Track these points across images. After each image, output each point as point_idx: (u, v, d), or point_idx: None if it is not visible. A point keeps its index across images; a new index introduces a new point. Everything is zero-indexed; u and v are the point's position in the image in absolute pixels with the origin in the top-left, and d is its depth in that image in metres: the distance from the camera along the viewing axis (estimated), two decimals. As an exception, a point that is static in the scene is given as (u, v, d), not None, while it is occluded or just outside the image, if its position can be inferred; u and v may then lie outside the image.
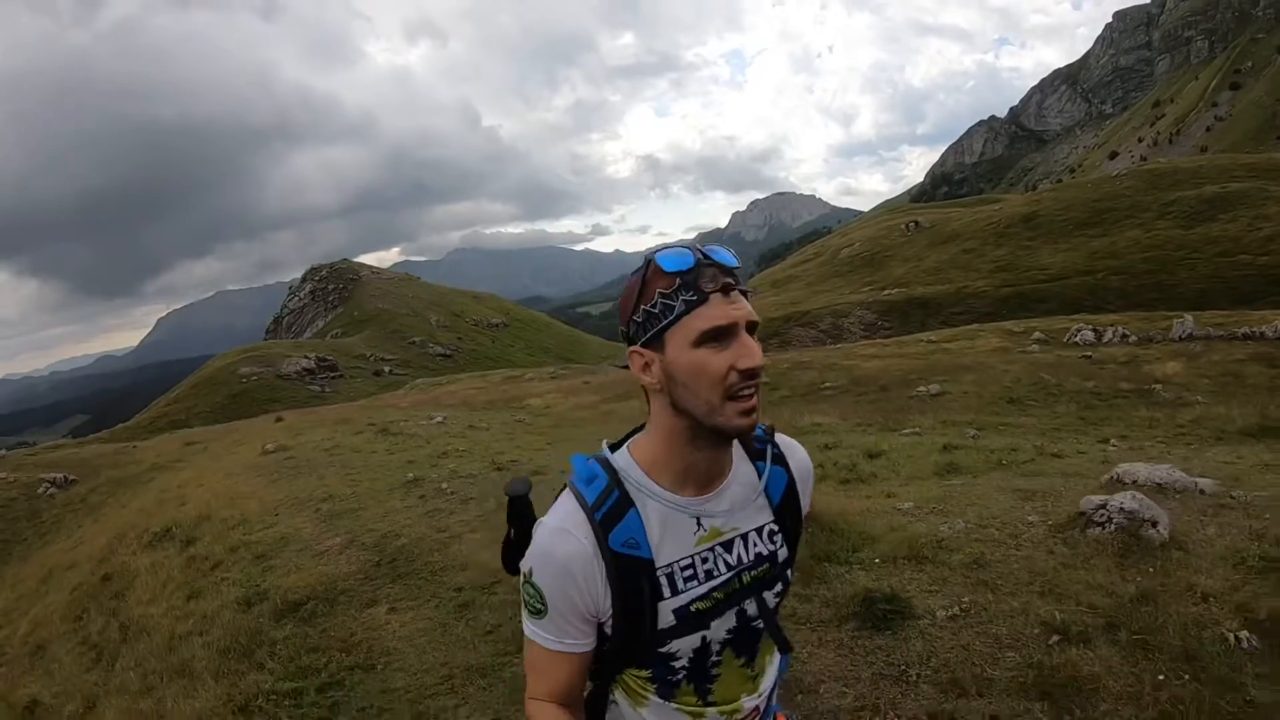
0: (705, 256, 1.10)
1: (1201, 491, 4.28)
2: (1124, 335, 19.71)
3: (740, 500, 1.22)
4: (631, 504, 1.15)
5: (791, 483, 1.28)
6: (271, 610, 4.65)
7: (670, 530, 1.16)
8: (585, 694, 1.26)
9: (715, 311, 1.06)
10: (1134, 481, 4.41)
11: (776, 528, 1.25)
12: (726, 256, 1.12)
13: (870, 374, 17.75)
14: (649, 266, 1.10)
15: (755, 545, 1.23)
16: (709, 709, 1.23)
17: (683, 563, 1.16)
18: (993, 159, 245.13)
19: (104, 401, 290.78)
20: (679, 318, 1.07)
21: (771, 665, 1.32)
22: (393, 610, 4.40)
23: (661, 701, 1.21)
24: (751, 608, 1.23)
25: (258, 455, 12.31)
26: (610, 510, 1.13)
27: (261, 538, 6.52)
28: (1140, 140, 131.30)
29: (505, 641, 3.81)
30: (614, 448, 1.23)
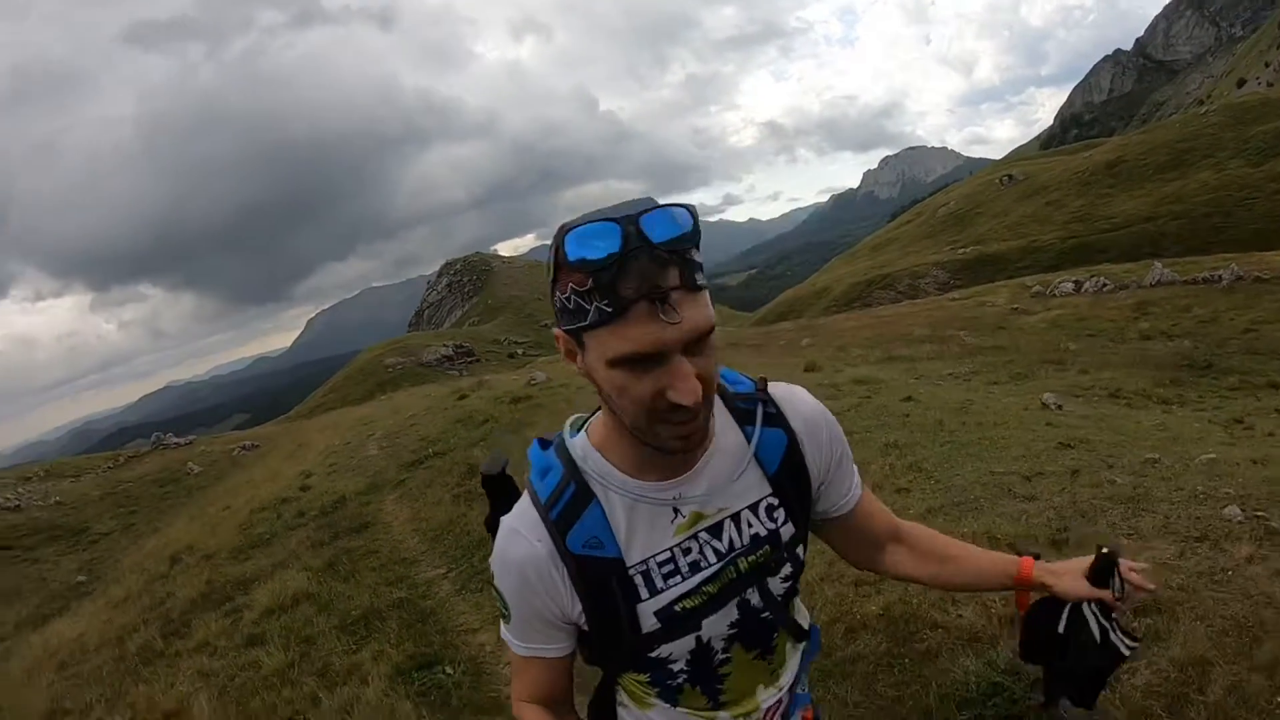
0: (638, 235, 0.84)
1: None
2: (1103, 285, 19.83)
3: (724, 475, 1.07)
4: (592, 496, 1.04)
5: (793, 443, 1.12)
6: (362, 423, 12.86)
7: (640, 522, 1.04)
8: (592, 690, 1.24)
9: (636, 332, 0.85)
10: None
11: (776, 501, 1.11)
12: (669, 230, 0.85)
13: (834, 331, 22.06)
14: (558, 245, 0.89)
15: (750, 526, 1.09)
16: (720, 711, 1.15)
17: (660, 558, 1.05)
18: (1122, 95, 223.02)
19: (262, 400, 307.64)
20: (592, 328, 0.88)
21: (794, 654, 1.22)
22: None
23: (667, 706, 1.14)
24: (755, 598, 1.10)
25: (375, 402, 21.16)
26: (566, 507, 1.04)
27: (365, 424, 14.58)
28: (1267, 65, 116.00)
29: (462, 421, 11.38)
30: (582, 424, 1.13)
